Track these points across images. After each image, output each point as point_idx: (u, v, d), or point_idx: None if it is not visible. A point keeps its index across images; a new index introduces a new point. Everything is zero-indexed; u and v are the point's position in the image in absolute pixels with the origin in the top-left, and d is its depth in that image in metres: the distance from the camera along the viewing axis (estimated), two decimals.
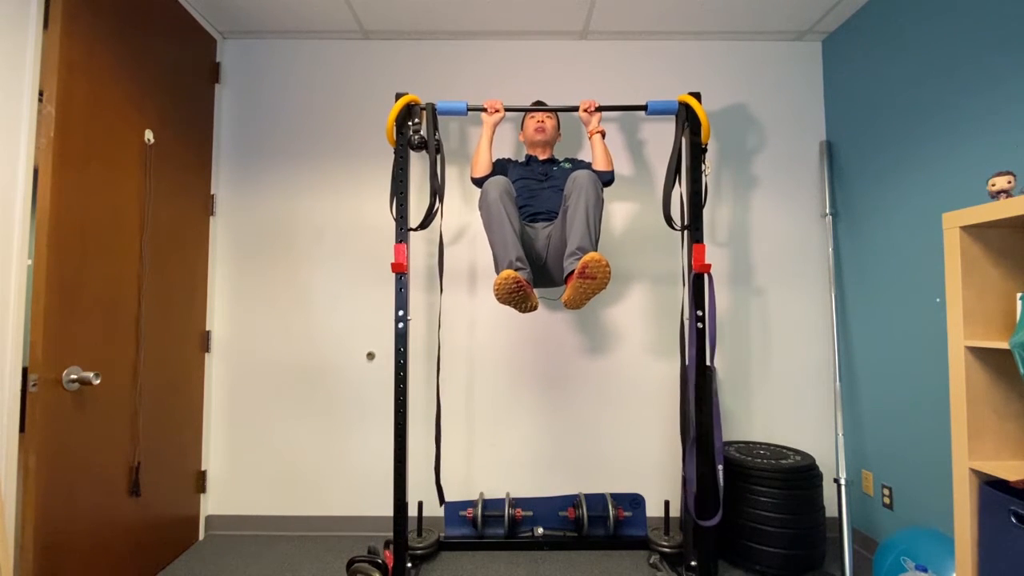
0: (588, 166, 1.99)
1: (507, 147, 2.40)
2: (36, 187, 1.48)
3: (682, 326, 2.00)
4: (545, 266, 1.87)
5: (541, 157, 2.02)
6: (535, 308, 1.72)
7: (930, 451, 1.83)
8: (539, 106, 2.03)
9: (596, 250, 1.66)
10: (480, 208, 1.77)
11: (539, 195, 1.92)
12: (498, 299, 1.66)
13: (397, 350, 1.88)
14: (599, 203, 1.70)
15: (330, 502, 2.33)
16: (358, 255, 2.38)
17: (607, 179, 1.94)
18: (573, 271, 1.63)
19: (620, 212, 2.39)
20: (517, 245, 1.71)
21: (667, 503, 2.19)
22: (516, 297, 1.65)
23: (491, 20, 2.28)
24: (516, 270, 1.67)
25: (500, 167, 2.00)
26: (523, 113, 2.12)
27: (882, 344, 2.06)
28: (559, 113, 2.09)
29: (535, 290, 1.78)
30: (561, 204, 1.79)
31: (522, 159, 2.07)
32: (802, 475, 1.95)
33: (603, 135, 1.95)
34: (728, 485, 2.01)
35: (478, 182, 1.96)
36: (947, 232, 1.31)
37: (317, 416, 2.35)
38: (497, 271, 1.72)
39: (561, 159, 2.04)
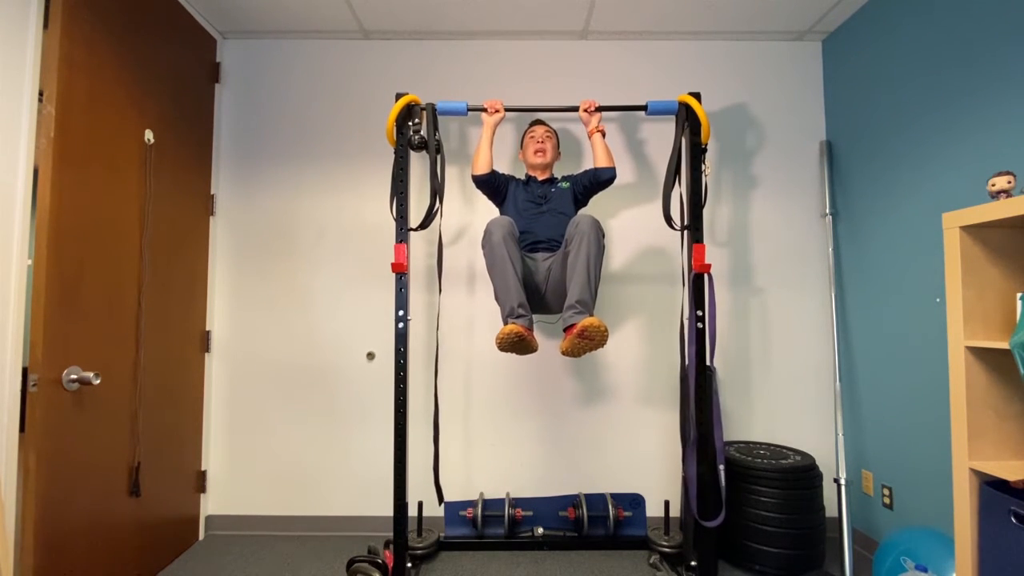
0: (584, 177, 1.99)
1: (507, 149, 2.40)
2: (36, 187, 1.48)
3: (682, 326, 2.01)
4: (544, 297, 1.92)
5: (540, 178, 2.02)
6: (535, 351, 1.78)
7: (930, 451, 1.83)
8: (539, 123, 2.06)
9: (595, 298, 1.73)
10: (483, 247, 1.80)
11: (539, 220, 1.93)
12: (500, 349, 1.72)
13: (397, 350, 1.88)
14: (600, 251, 1.74)
15: (330, 502, 2.33)
16: (358, 255, 2.38)
17: (609, 175, 1.94)
18: (573, 325, 1.68)
19: (620, 212, 2.39)
20: (519, 291, 1.75)
21: (667, 503, 2.19)
22: (518, 347, 1.72)
23: (491, 20, 2.28)
24: (518, 317, 1.73)
25: (503, 180, 2.01)
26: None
27: (882, 344, 2.06)
28: (558, 132, 2.10)
29: (534, 315, 1.85)
30: (562, 234, 1.86)
31: (522, 177, 2.07)
32: (802, 475, 1.95)
33: (603, 134, 1.95)
34: (728, 485, 2.01)
35: (478, 180, 1.97)
36: (947, 232, 1.31)
37: (317, 416, 2.35)
38: (499, 301, 1.78)
39: (559, 177, 2.04)
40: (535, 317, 1.84)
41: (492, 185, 1.98)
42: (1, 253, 1.44)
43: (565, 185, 2.00)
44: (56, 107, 1.50)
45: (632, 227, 2.39)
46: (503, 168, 2.36)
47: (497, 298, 1.79)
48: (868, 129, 2.14)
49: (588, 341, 1.67)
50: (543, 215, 1.94)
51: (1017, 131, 1.54)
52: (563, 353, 1.73)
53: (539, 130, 2.03)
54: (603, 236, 1.76)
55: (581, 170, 2.09)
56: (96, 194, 1.65)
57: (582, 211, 1.92)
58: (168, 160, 2.02)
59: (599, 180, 1.96)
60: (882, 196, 2.06)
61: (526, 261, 1.88)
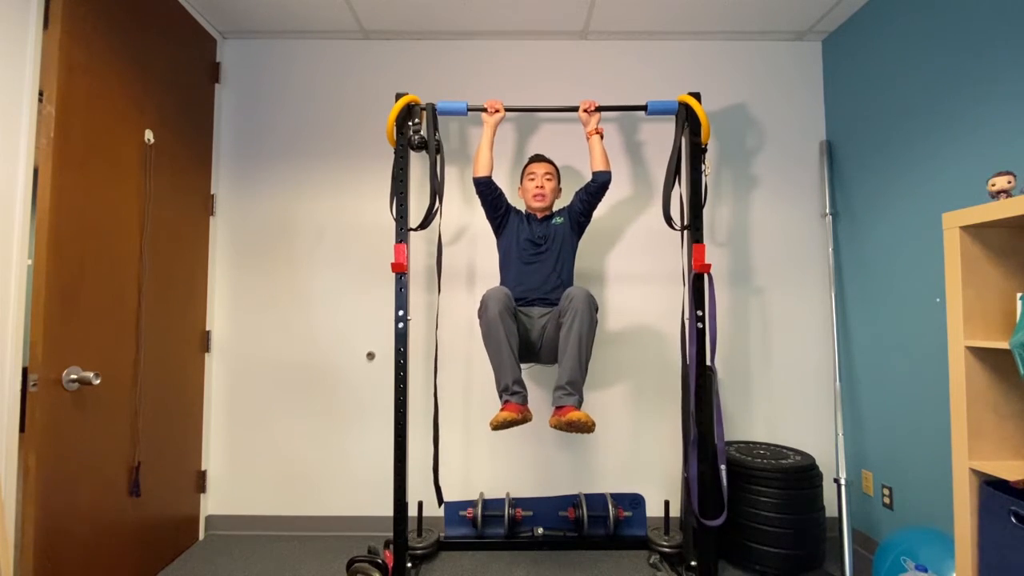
0: (579, 195, 1.97)
1: (507, 149, 2.39)
2: (36, 187, 1.48)
3: (683, 326, 2.00)
4: (539, 353, 1.93)
5: (539, 216, 2.01)
6: (529, 421, 1.78)
7: (930, 451, 1.83)
8: (540, 161, 2.01)
9: (586, 375, 1.76)
10: (479, 318, 1.81)
11: (536, 263, 1.93)
12: (493, 430, 1.72)
13: (397, 350, 1.88)
14: (592, 328, 1.76)
15: (330, 502, 2.33)
16: (358, 255, 2.38)
17: (604, 178, 1.92)
18: (563, 408, 1.70)
19: (619, 211, 2.40)
20: (514, 367, 1.77)
21: (667, 503, 2.19)
22: (512, 426, 1.73)
23: (491, 20, 2.28)
24: (513, 394, 1.75)
25: (506, 203, 2.00)
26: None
27: (882, 344, 2.06)
28: (559, 169, 2.06)
29: (530, 364, 1.93)
30: (558, 280, 1.91)
31: (523, 209, 2.06)
32: (802, 475, 1.95)
33: (601, 136, 1.94)
34: (729, 485, 2.01)
35: (479, 182, 1.94)
36: (947, 232, 1.31)
37: (317, 416, 2.35)
38: (492, 364, 1.79)
39: (555, 212, 2.03)
40: (528, 365, 1.88)
41: (491, 195, 1.95)
42: (1, 253, 1.44)
43: (560, 220, 1.99)
44: (56, 107, 1.50)
45: (632, 223, 2.39)
46: (502, 172, 2.36)
47: (493, 370, 1.80)
48: (868, 129, 2.14)
49: (576, 431, 1.70)
50: (541, 255, 1.94)
51: (1017, 131, 1.54)
52: (552, 427, 1.74)
53: (539, 170, 1.99)
54: (596, 311, 1.78)
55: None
56: (96, 194, 1.65)
57: (575, 285, 1.88)
58: (168, 160, 2.02)
59: (597, 184, 1.92)
60: (882, 196, 2.06)
61: (521, 318, 1.88)
